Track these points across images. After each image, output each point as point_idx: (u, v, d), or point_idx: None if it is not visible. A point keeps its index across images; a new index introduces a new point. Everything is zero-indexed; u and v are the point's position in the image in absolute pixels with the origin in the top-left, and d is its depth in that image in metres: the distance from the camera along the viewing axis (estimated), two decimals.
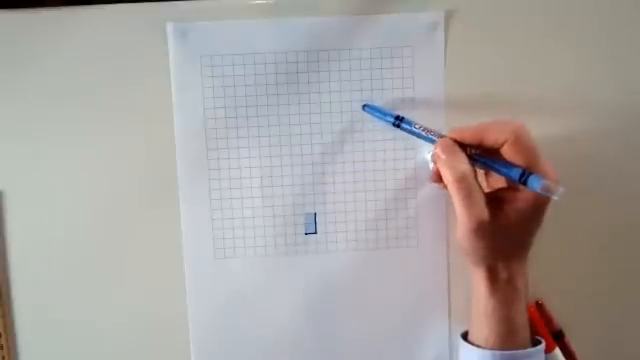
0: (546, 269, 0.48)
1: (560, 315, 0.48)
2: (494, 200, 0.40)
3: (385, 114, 0.44)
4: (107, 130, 0.46)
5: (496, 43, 0.46)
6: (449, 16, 0.46)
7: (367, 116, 0.46)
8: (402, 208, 0.47)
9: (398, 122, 0.43)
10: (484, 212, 0.38)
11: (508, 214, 0.39)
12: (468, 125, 0.40)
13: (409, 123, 0.43)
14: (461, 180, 0.38)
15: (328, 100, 0.46)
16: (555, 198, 0.36)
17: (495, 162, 0.39)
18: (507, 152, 0.39)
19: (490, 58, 0.46)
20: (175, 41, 0.45)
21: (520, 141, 0.38)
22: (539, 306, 0.48)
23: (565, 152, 0.47)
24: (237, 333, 0.47)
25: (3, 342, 0.47)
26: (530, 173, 0.37)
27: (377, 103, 0.46)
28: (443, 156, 0.40)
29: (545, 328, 0.47)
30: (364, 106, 0.46)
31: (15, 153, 0.46)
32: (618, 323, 0.49)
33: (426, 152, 0.46)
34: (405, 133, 0.44)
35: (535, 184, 0.37)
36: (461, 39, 0.46)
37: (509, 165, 0.39)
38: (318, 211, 0.47)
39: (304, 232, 0.47)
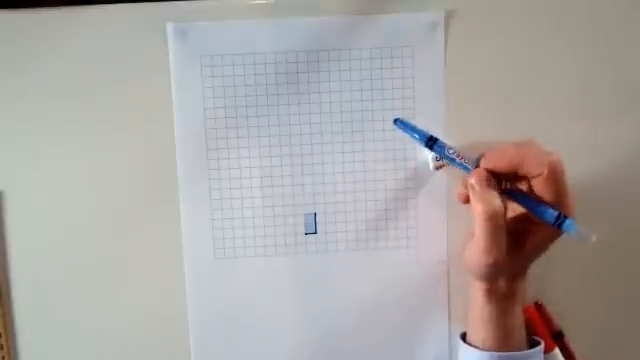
0: (546, 270, 0.48)
1: (560, 316, 0.48)
2: (512, 233, 0.40)
3: (418, 133, 0.43)
4: (107, 130, 0.46)
5: (496, 43, 0.46)
6: (449, 16, 0.46)
7: (367, 116, 0.46)
8: (402, 208, 0.47)
9: (431, 143, 0.42)
10: (503, 252, 0.39)
11: (524, 247, 0.39)
12: (502, 152, 0.40)
13: (442, 147, 0.42)
14: (492, 218, 0.38)
15: (328, 100, 0.46)
16: (588, 244, 0.36)
17: (529, 201, 0.39)
18: (538, 185, 0.38)
19: (490, 58, 0.46)
20: (175, 41, 0.45)
21: (554, 177, 0.38)
22: (539, 306, 0.48)
23: (564, 151, 0.47)
24: (237, 333, 0.47)
25: (3, 342, 0.47)
26: (565, 217, 0.37)
27: (378, 104, 0.46)
28: (477, 188, 0.39)
29: (545, 328, 0.47)
30: (395, 120, 0.44)
31: (15, 153, 0.46)
32: (618, 324, 0.49)
33: (427, 152, 0.46)
34: (406, 134, 0.43)
35: (571, 229, 0.37)
36: (461, 39, 0.46)
37: (544, 205, 0.38)
38: (318, 211, 0.47)
39: (304, 232, 0.47)
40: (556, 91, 0.47)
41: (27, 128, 0.45)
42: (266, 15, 0.45)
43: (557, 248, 0.47)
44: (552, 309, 0.48)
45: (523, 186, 0.40)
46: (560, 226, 0.37)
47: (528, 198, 0.39)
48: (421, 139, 0.42)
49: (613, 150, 0.48)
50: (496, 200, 0.38)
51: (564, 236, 0.47)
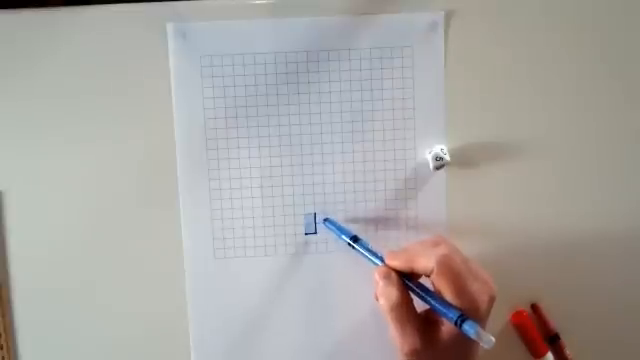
0: (545, 271, 0.48)
1: (558, 318, 0.48)
2: (430, 322, 0.40)
3: (344, 232, 0.45)
4: (107, 130, 0.46)
5: (496, 43, 0.46)
6: (449, 16, 0.46)
7: (367, 115, 0.46)
8: (402, 208, 0.47)
9: (355, 240, 0.44)
10: (416, 340, 0.39)
11: (442, 337, 0.39)
12: (397, 252, 0.41)
13: (364, 245, 0.44)
14: (392, 310, 0.40)
15: (328, 100, 0.46)
16: (485, 347, 0.35)
17: (433, 299, 0.39)
18: (435, 280, 0.39)
19: (490, 58, 0.46)
20: (175, 41, 0.45)
21: (444, 272, 0.38)
22: (535, 308, 0.48)
23: (563, 151, 0.47)
24: (237, 333, 0.47)
25: (3, 342, 0.47)
26: (465, 319, 0.36)
27: (378, 104, 0.46)
28: (380, 283, 0.41)
29: (537, 332, 0.47)
30: (325, 220, 0.47)
31: (15, 153, 0.46)
32: (618, 327, 0.49)
33: (427, 152, 0.46)
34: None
35: (470, 331, 0.36)
36: (461, 39, 0.46)
37: (445, 305, 0.38)
38: (318, 211, 0.47)
39: (304, 232, 0.47)
40: (556, 91, 0.47)
41: (27, 128, 0.45)
42: (266, 15, 0.45)
43: (557, 248, 0.48)
44: (550, 311, 0.48)
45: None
46: (460, 327, 0.37)
47: (430, 296, 0.39)
48: (346, 237, 0.45)
49: (613, 150, 0.48)
50: (393, 294, 0.40)
51: (564, 237, 0.48)
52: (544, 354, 0.47)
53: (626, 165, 0.48)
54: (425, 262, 0.39)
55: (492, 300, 0.39)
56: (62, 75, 0.45)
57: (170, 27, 0.45)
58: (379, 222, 0.47)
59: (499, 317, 0.48)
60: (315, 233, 0.47)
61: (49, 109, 0.45)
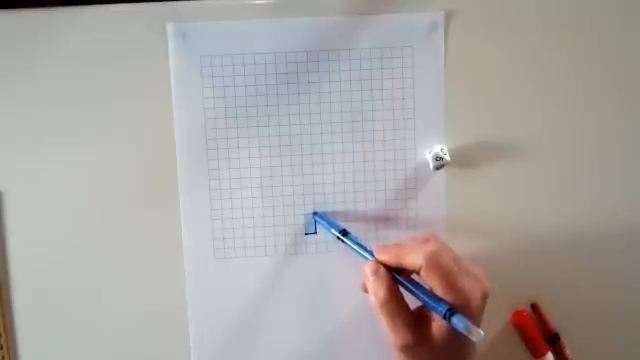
0: (545, 271, 0.48)
1: (559, 318, 0.48)
2: (422, 318, 0.40)
3: (333, 226, 0.45)
4: (107, 130, 0.46)
5: (496, 43, 0.46)
6: (449, 16, 0.46)
7: (367, 115, 0.46)
8: (402, 208, 0.47)
9: (344, 234, 0.44)
10: (408, 335, 0.39)
11: (435, 332, 0.39)
12: (387, 247, 0.41)
13: (353, 239, 0.44)
14: (382, 306, 0.40)
15: (328, 100, 0.46)
16: (474, 340, 0.35)
17: (424, 292, 0.39)
18: (424, 277, 0.39)
19: (490, 58, 0.46)
20: (175, 41, 0.45)
21: (432, 268, 0.38)
22: (535, 308, 0.48)
23: (562, 150, 0.47)
24: (237, 333, 0.47)
25: (3, 342, 0.47)
26: (454, 312, 0.36)
27: (378, 104, 0.46)
28: (370, 278, 0.41)
29: (537, 332, 0.47)
30: (314, 213, 0.47)
31: (15, 153, 0.46)
32: (619, 327, 0.49)
33: (427, 152, 0.46)
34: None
35: (459, 324, 0.36)
36: (461, 39, 0.46)
37: (435, 299, 0.38)
38: (318, 211, 0.47)
39: (304, 232, 0.47)
40: (555, 91, 0.47)
41: (27, 128, 0.45)
42: (266, 15, 0.45)
43: (557, 248, 0.48)
44: (550, 311, 0.48)
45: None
46: (449, 320, 0.37)
47: (420, 290, 0.39)
48: (336, 230, 0.45)
49: (613, 148, 0.48)
50: (381, 290, 0.40)
51: (564, 237, 0.48)
52: (544, 354, 0.47)
53: (625, 165, 0.48)
54: (413, 258, 0.39)
55: (485, 296, 0.39)
56: (62, 75, 0.45)
57: (170, 27, 0.45)
58: (379, 222, 0.47)
59: (499, 317, 0.48)
60: (315, 233, 0.47)
61: (49, 109, 0.45)
